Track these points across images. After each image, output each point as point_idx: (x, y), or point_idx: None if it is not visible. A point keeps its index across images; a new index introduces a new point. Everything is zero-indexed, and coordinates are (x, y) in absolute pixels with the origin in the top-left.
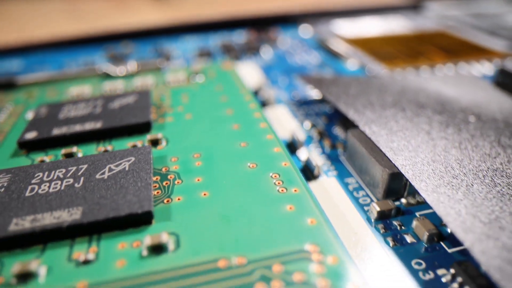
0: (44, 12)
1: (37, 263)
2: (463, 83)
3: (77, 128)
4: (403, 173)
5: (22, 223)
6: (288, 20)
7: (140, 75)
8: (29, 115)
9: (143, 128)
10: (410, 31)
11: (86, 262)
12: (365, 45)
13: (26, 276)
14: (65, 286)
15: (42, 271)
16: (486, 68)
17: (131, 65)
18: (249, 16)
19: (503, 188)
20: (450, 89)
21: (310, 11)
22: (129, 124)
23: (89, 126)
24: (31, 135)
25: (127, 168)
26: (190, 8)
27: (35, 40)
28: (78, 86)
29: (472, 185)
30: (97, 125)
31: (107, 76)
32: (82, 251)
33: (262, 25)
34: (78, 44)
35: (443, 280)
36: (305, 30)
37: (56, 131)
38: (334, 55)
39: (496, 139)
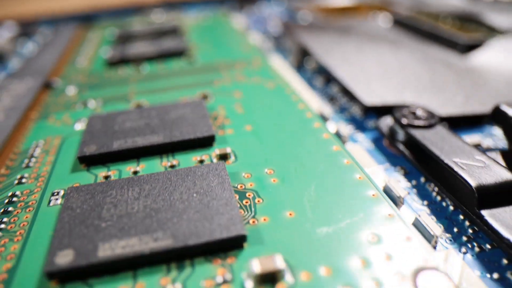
0: None
1: None
2: (369, 24)
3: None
4: (308, 45)
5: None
6: None
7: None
8: (112, 36)
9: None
10: (356, 4)
11: None
12: (320, 9)
13: None
14: None
15: None
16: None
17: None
18: None
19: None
20: (364, 28)
21: None
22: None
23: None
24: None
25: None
26: None
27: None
28: (134, 23)
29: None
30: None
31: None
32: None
33: None
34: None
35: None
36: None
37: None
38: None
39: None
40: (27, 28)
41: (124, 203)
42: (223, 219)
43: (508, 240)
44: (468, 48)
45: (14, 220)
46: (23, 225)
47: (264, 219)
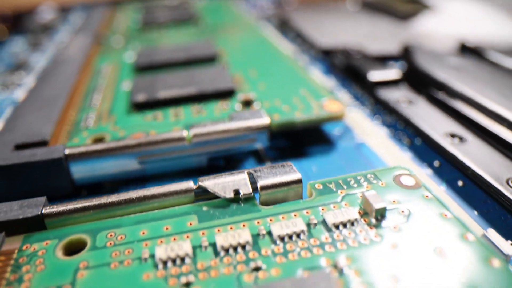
0: None
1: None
2: (341, 6)
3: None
4: (286, 15)
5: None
6: None
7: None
8: (139, 10)
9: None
10: None
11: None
12: None
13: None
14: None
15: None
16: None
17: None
18: None
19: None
20: (335, 8)
21: None
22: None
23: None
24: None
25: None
26: None
27: None
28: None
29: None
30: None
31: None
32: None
33: None
34: None
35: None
36: None
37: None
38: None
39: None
40: (61, 11)
41: (168, 81)
42: (223, 82)
43: (386, 102)
44: (406, 17)
45: (104, 94)
46: (109, 97)
47: (246, 87)
